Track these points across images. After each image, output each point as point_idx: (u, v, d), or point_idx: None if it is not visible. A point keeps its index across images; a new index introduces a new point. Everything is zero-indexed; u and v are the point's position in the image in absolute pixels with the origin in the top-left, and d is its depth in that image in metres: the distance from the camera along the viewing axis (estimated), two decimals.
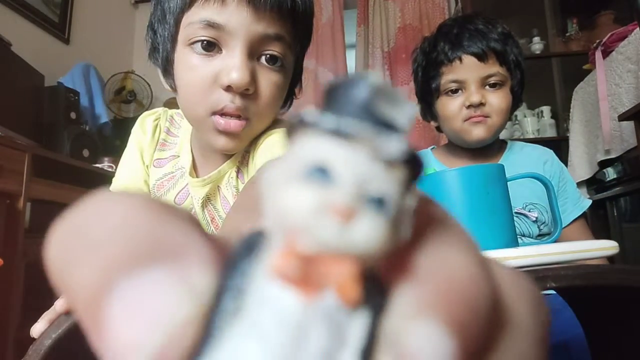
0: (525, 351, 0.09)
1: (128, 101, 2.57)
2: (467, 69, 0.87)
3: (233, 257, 0.09)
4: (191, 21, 0.54)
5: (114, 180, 0.70)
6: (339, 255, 0.08)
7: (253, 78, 0.55)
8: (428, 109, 0.98)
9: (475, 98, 0.85)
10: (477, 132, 0.87)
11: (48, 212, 1.60)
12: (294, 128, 0.09)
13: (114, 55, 2.69)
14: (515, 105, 0.92)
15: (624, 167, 1.56)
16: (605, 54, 1.64)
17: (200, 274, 0.08)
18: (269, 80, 0.57)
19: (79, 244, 0.08)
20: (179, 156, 0.68)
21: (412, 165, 0.09)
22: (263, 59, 0.56)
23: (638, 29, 1.41)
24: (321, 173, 0.08)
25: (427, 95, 0.95)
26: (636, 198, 1.55)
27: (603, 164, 1.66)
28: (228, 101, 0.54)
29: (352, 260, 0.08)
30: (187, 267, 0.08)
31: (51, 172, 1.62)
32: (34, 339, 0.32)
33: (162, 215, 0.09)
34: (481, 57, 0.86)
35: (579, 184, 1.78)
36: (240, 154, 0.63)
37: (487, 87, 0.87)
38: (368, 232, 0.08)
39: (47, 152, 1.68)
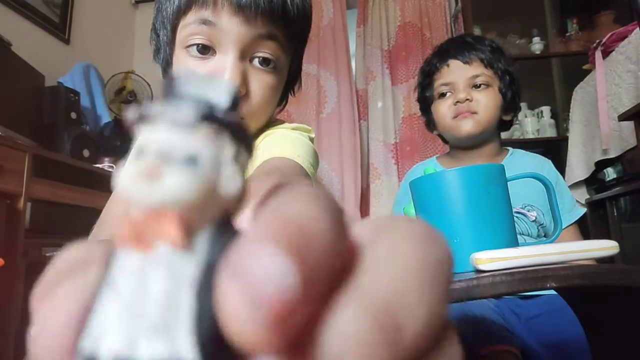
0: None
1: (128, 101, 2.57)
2: (454, 72, 0.98)
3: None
4: (187, 23, 0.56)
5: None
6: (160, 212, 0.10)
7: (244, 80, 0.56)
8: (430, 119, 1.06)
9: (462, 95, 0.95)
10: (465, 127, 0.95)
11: (48, 212, 1.60)
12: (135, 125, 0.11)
13: (114, 55, 2.68)
14: (513, 110, 1.00)
15: (624, 167, 1.56)
16: (605, 54, 1.63)
17: (97, 272, 0.11)
18: (261, 82, 0.58)
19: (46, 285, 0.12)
20: None
21: (232, 127, 0.11)
22: (256, 61, 0.57)
23: (638, 29, 1.41)
24: (142, 154, 0.10)
25: (426, 105, 1.04)
26: (636, 198, 1.55)
27: (603, 164, 1.66)
28: None
29: (171, 213, 0.10)
30: (89, 272, 0.11)
31: (51, 172, 1.62)
32: None
33: (90, 246, 0.12)
34: (466, 60, 0.96)
35: (578, 184, 1.78)
36: None
37: (474, 87, 0.96)
38: (174, 185, 0.10)
39: (47, 152, 1.67)
